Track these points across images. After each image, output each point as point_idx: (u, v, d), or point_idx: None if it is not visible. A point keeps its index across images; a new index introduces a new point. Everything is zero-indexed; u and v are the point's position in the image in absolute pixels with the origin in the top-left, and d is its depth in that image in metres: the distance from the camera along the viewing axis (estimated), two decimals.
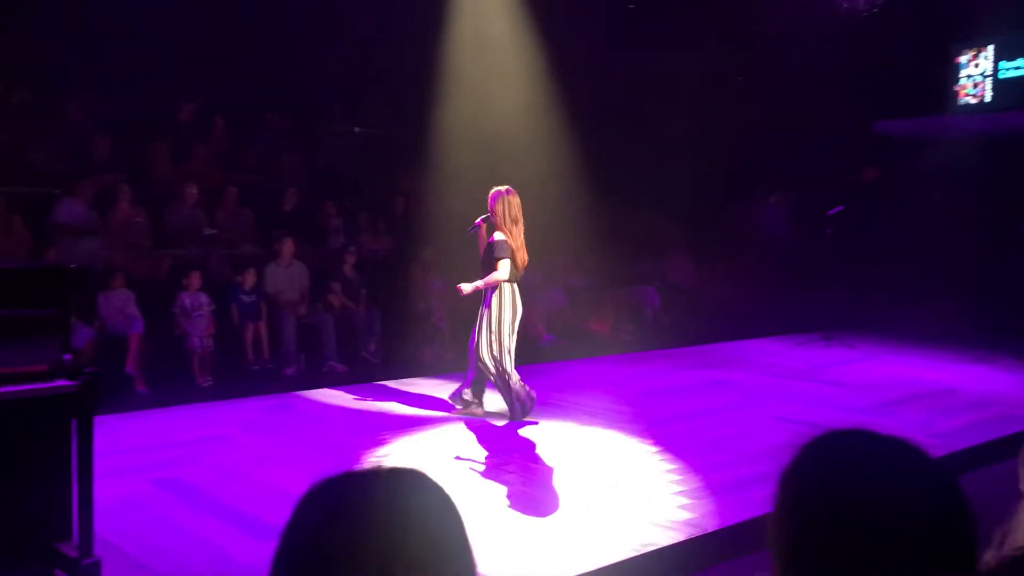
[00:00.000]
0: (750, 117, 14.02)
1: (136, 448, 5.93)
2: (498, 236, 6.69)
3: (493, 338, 6.70)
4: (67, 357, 3.53)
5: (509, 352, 6.72)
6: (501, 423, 6.84)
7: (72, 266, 3.72)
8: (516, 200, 6.73)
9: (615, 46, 13.08)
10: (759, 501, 5.03)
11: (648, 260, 12.60)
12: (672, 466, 5.70)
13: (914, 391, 8.34)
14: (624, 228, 12.98)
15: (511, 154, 11.28)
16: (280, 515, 3.90)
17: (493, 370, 6.73)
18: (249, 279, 8.83)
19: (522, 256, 6.73)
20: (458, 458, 5.87)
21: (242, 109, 11.44)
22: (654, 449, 6.10)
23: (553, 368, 9.30)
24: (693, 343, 10.77)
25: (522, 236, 6.74)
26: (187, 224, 9.61)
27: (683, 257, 12.98)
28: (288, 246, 9.34)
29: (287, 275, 9.31)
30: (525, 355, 9.71)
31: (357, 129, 12.40)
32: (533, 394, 6.85)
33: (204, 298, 8.42)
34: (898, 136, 14.15)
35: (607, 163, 13.34)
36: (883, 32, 12.99)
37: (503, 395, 6.83)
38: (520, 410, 6.79)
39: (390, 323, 9.65)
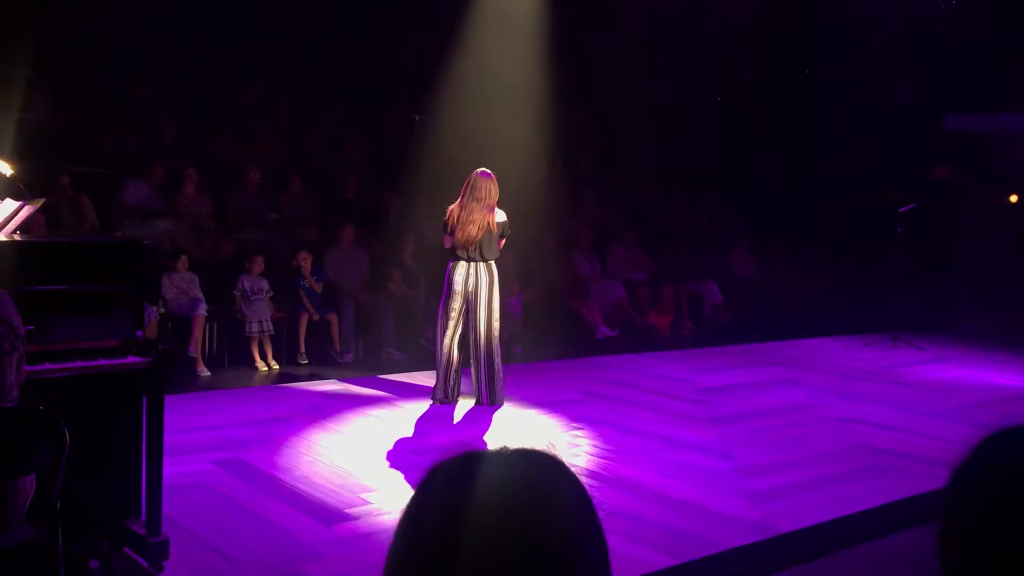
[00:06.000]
0: (816, 110, 13.73)
1: (198, 428, 5.95)
2: None
3: (438, 315, 6.82)
4: (139, 334, 3.52)
5: (444, 332, 6.72)
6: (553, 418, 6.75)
7: (146, 242, 3.70)
8: (478, 181, 6.64)
9: (675, 37, 12.88)
10: (828, 503, 4.89)
11: (710, 254, 12.39)
12: (735, 466, 5.56)
13: (987, 396, 8.07)
14: (685, 221, 12.82)
15: (567, 146, 11.20)
16: (341, 498, 3.84)
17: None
18: (313, 273, 8.86)
19: (464, 232, 6.61)
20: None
21: (306, 94, 11.50)
22: (715, 448, 5.96)
23: (609, 362, 9.18)
24: (755, 340, 10.55)
25: (478, 216, 6.58)
26: (250, 208, 9.68)
27: (746, 252, 12.74)
28: (349, 232, 9.36)
29: (347, 261, 9.32)
30: (584, 349, 9.71)
31: (418, 117, 12.39)
32: (456, 390, 6.85)
33: (264, 283, 8.45)
34: (970, 132, 13.74)
35: (667, 155, 13.18)
36: (958, 26, 12.62)
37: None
38: (437, 394, 6.84)
39: None
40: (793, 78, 14.25)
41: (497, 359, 6.82)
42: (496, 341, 6.80)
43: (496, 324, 6.79)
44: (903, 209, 10.35)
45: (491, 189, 6.67)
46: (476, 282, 6.70)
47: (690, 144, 13.02)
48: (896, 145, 13.24)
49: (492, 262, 6.77)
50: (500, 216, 6.75)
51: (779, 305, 11.89)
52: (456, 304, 6.71)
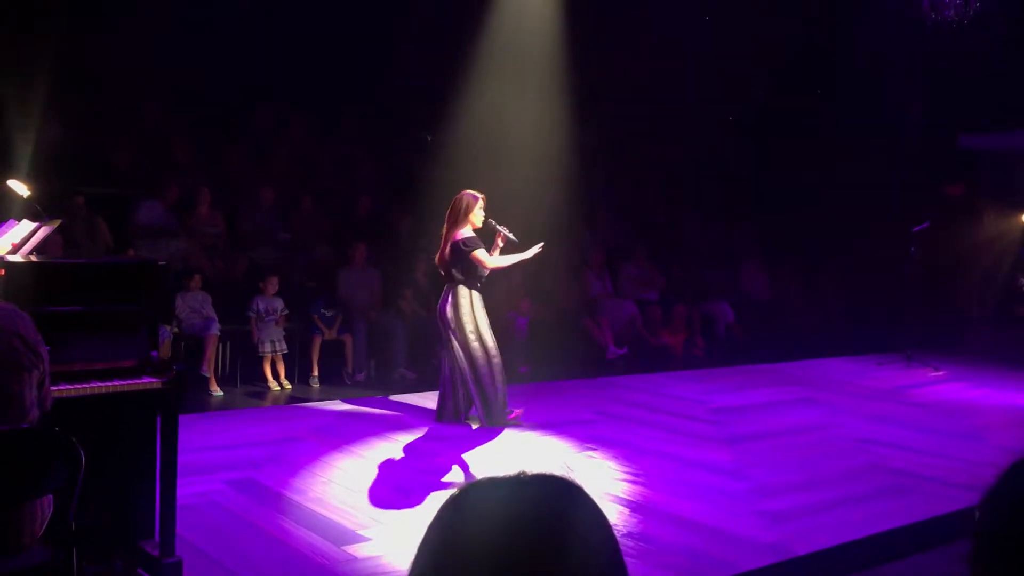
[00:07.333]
0: (827, 127, 13.72)
1: (210, 448, 5.95)
2: None
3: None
4: (154, 354, 3.53)
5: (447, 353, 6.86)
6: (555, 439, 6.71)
7: (160, 262, 3.71)
8: (460, 199, 6.72)
9: (686, 56, 12.93)
10: (844, 525, 4.84)
11: (721, 271, 12.34)
12: (750, 487, 5.51)
13: (1003, 416, 7.99)
14: (696, 239, 12.78)
15: (578, 163, 11.19)
16: (354, 519, 3.82)
17: None
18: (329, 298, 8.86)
19: (438, 254, 6.80)
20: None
21: (318, 113, 11.56)
22: (730, 469, 5.91)
23: (621, 382, 9.15)
24: (768, 360, 10.48)
25: (444, 236, 6.70)
26: (263, 227, 9.71)
27: (757, 270, 12.69)
28: (361, 251, 9.37)
29: (359, 280, 9.33)
30: (595, 369, 9.67)
31: (430, 136, 12.43)
32: (465, 409, 6.89)
33: (279, 303, 8.45)
34: (983, 150, 13.71)
35: (678, 173, 13.18)
36: (970, 43, 12.60)
37: None
38: (441, 414, 6.95)
39: None
40: (804, 96, 14.24)
41: (485, 380, 6.68)
42: (479, 363, 6.64)
43: (475, 346, 6.62)
44: (917, 228, 10.31)
45: (460, 206, 6.70)
46: (452, 306, 6.66)
47: (701, 162, 13.02)
48: (909, 163, 13.21)
49: (461, 285, 6.64)
50: (462, 233, 6.65)
51: (792, 324, 11.82)
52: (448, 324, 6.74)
